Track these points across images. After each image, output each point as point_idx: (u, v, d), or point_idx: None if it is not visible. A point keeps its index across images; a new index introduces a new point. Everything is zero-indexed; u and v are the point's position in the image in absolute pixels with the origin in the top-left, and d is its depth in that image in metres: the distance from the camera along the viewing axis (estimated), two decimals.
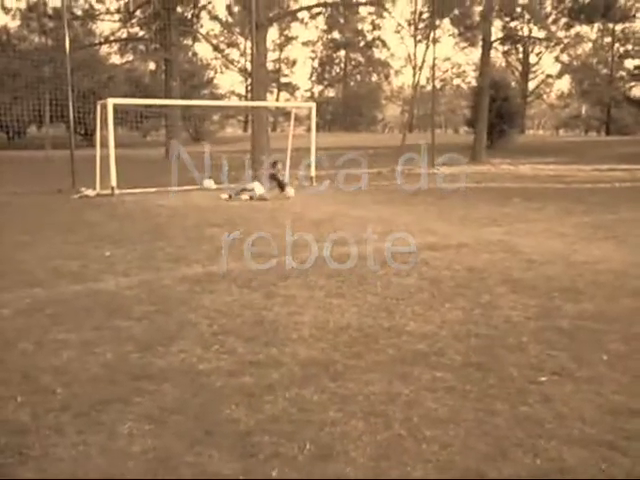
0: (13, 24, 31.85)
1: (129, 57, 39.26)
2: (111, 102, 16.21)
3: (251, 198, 15.16)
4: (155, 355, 4.62)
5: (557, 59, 62.24)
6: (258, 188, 15.44)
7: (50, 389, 4.04)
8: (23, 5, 30.24)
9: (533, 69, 66.33)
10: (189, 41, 38.90)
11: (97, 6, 31.09)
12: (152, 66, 46.89)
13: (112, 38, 33.21)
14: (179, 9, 31.99)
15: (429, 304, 5.94)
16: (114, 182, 15.88)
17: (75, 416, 3.68)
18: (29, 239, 9.74)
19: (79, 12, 30.85)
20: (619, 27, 52.10)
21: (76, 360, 4.54)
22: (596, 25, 39.62)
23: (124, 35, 33.18)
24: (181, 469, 3.12)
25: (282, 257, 8.21)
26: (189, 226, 11.18)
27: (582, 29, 39.34)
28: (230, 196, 15.40)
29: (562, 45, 46.19)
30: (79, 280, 6.94)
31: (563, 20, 33.80)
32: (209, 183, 17.97)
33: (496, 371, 4.28)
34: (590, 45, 55.71)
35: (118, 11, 31.41)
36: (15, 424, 3.60)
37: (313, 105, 20.72)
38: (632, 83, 47.83)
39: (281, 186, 16.29)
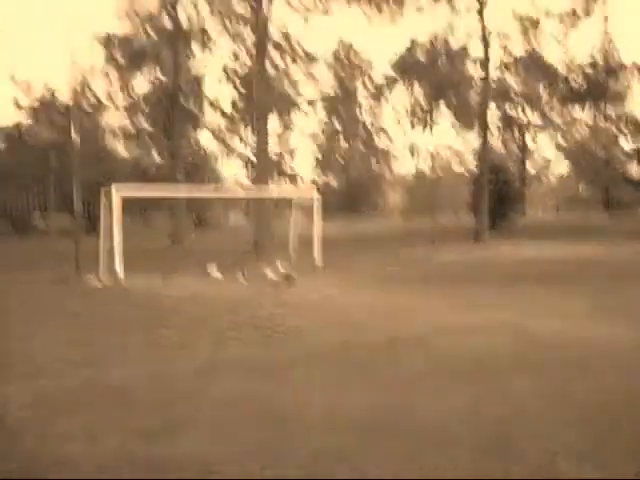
0: (25, 121, 32.75)
1: (135, 149, 40.19)
2: (115, 188, 16.40)
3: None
4: (160, 446, 4.50)
5: (556, 145, 63.29)
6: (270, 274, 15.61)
7: None
8: (35, 103, 31.15)
9: (532, 152, 67.40)
10: (194, 133, 39.78)
11: (105, 102, 32.01)
12: (157, 158, 47.88)
13: (119, 131, 34.03)
14: (183, 102, 32.88)
15: (440, 391, 5.83)
16: (119, 269, 15.90)
17: None
18: (34, 328, 9.69)
19: (88, 107, 31.75)
20: (613, 110, 53.28)
21: (80, 452, 4.43)
22: (590, 108, 40.33)
23: (131, 129, 34.04)
24: None
25: (286, 345, 8.13)
26: (194, 313, 11.13)
27: (578, 114, 40.14)
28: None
29: (558, 129, 47.13)
30: (84, 369, 6.84)
31: (558, 105, 34.55)
32: (213, 269, 18.00)
33: (515, 458, 4.15)
34: (586, 128, 56.79)
35: (125, 107, 32.32)
36: None
37: (314, 190, 20.94)
38: (629, 163, 48.50)
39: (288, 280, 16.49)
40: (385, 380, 6.21)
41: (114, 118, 33.35)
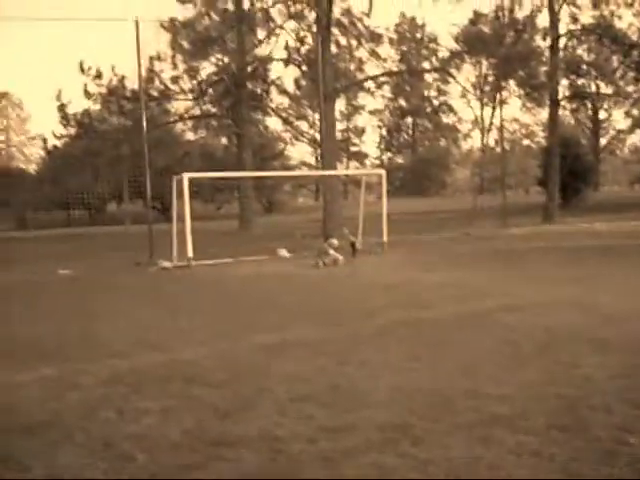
0: (95, 107, 33.54)
1: (202, 133, 40.72)
2: (186, 176, 16.77)
3: (324, 264, 15.26)
4: (233, 422, 4.64)
5: (627, 114, 61.34)
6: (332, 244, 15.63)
7: (130, 455, 4.10)
8: (104, 89, 31.85)
9: (603, 125, 65.51)
10: (259, 115, 40.04)
11: (172, 87, 32.45)
12: (225, 141, 48.43)
13: (186, 116, 34.52)
14: (249, 85, 33.10)
15: (508, 366, 5.79)
16: (190, 253, 16.27)
17: None
18: (110, 310, 10.07)
19: (155, 93, 32.28)
20: None
21: (155, 427, 4.60)
22: None
23: (197, 112, 34.49)
24: None
25: (355, 322, 8.21)
26: (264, 295, 11.33)
27: None
28: (321, 262, 15.41)
29: (631, 100, 45.53)
30: (157, 350, 7.07)
31: (631, 74, 33.28)
32: (283, 252, 18.23)
33: (581, 433, 4.12)
34: None
35: (191, 90, 32.72)
36: None
37: (383, 172, 20.92)
38: None
39: (353, 249, 16.56)
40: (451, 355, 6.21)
41: (181, 103, 33.86)
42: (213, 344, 7.30)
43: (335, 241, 15.95)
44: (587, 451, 3.85)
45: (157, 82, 31.98)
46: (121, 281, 14.38)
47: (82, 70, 31.49)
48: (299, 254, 18.27)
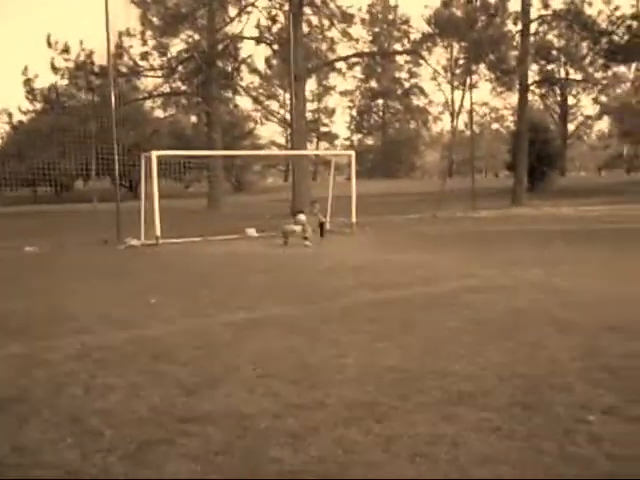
0: (62, 82, 32.97)
1: (172, 111, 40.31)
2: (155, 154, 16.64)
3: (285, 243, 15.28)
4: (200, 398, 4.65)
5: (596, 100, 62.09)
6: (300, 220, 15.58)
7: (98, 431, 4.10)
8: (71, 64, 31.31)
9: (572, 111, 66.22)
10: (229, 94, 39.74)
11: (141, 63, 32.04)
12: (194, 119, 48.01)
13: (155, 93, 34.15)
14: (219, 63, 32.80)
15: (473, 346, 5.88)
16: (158, 232, 16.18)
17: (122, 457, 3.72)
18: (77, 287, 10.01)
19: (124, 69, 31.85)
20: None
21: (123, 403, 4.60)
22: (634, 65, 39.29)
23: (167, 90, 34.12)
24: None
25: (324, 302, 8.25)
26: (232, 273, 11.33)
27: (620, 70, 39.11)
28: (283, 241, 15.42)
29: (600, 86, 46.07)
30: (125, 327, 7.05)
31: (600, 61, 33.67)
32: (251, 231, 18.21)
33: (543, 411, 4.21)
34: (629, 85, 55.41)
35: (161, 67, 32.35)
36: (63, 464, 3.65)
37: (353, 153, 20.96)
38: None
39: (322, 229, 16.53)
40: (420, 334, 6.28)
41: (150, 80, 33.48)
42: (180, 321, 7.30)
43: (303, 217, 15.92)
44: (547, 428, 3.94)
45: (126, 58, 31.59)
46: (88, 259, 14.25)
47: (49, 44, 30.95)
48: (268, 234, 18.27)
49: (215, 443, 3.88)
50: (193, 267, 12.50)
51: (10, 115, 53.02)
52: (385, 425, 4.06)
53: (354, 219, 19.42)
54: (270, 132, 77.27)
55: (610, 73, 38.09)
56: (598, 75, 36.33)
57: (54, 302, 8.72)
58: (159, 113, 41.76)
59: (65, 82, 32.84)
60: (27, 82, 33.97)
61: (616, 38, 31.57)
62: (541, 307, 7.46)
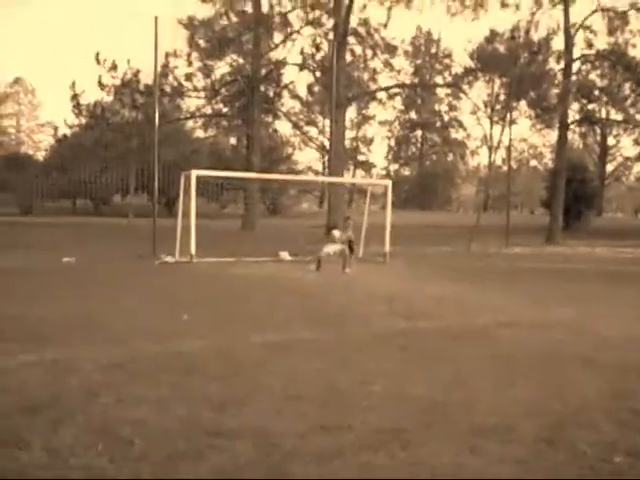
0: (107, 99, 33.74)
1: (212, 132, 40.90)
2: (195, 173, 16.91)
3: (317, 269, 15.33)
4: (228, 415, 4.73)
5: (636, 142, 61.50)
6: (331, 248, 15.64)
7: (128, 440, 4.21)
8: (118, 82, 32.02)
9: (611, 151, 65.69)
10: (270, 118, 40.25)
11: (185, 84, 32.66)
12: (233, 141, 48.62)
13: (198, 114, 34.73)
14: (262, 88, 33.28)
15: (501, 380, 5.89)
16: (193, 250, 16.39)
17: (152, 465, 3.82)
18: (112, 299, 10.21)
19: (168, 89, 32.48)
20: None
21: (153, 415, 4.70)
22: None
23: (209, 111, 34.69)
24: None
25: (355, 328, 8.31)
26: (264, 295, 11.44)
27: None
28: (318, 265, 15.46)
29: None
30: (157, 340, 7.18)
31: None
32: (284, 255, 18.35)
33: (567, 448, 4.22)
34: None
35: (205, 89, 32.92)
36: (95, 469, 3.76)
37: (389, 183, 21.06)
38: None
39: (351, 248, 16.48)
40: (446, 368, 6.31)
41: (193, 100, 34.08)
42: (212, 338, 7.41)
43: (337, 232, 16.04)
44: (571, 465, 3.95)
45: (171, 78, 32.20)
46: (124, 272, 14.50)
47: (98, 61, 31.67)
48: (301, 258, 18.40)
49: (242, 458, 3.95)
50: (226, 286, 12.65)
51: (56, 128, 54.35)
52: (410, 452, 4.10)
53: (387, 248, 19.46)
54: (308, 158, 77.86)
55: None
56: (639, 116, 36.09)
57: (88, 312, 8.90)
58: (200, 133, 42.47)
59: (110, 99, 33.62)
60: (74, 97, 34.72)
61: None
62: (571, 346, 7.43)
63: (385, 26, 29.80)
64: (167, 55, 30.65)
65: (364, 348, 7.09)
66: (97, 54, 31.86)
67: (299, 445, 4.19)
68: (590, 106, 35.40)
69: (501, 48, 30.70)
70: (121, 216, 40.28)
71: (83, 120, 37.24)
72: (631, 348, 7.40)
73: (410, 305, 10.47)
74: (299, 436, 4.34)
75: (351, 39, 29.56)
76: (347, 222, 17.95)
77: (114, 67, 31.51)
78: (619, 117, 37.84)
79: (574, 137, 50.49)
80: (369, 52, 32.74)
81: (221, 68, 32.98)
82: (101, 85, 32.17)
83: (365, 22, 29.98)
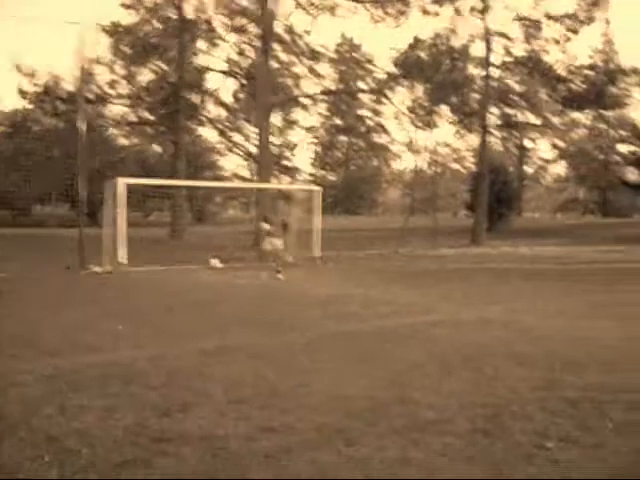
0: (28, 107, 32.82)
1: (137, 139, 40.30)
2: (122, 181, 16.69)
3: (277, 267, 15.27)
4: (173, 421, 4.77)
5: (553, 145, 63.76)
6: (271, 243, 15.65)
7: (75, 449, 4.19)
8: (38, 89, 31.21)
9: (530, 154, 67.79)
10: (194, 125, 39.93)
11: (109, 91, 32.10)
12: (158, 148, 47.99)
13: (122, 121, 34.19)
14: (187, 95, 33.01)
15: (435, 377, 6.09)
16: (123, 259, 16.17)
17: (100, 475, 3.82)
18: (43, 312, 10.00)
19: (91, 96, 31.85)
20: (611, 114, 53.75)
21: (97, 424, 4.69)
22: (589, 112, 40.82)
23: (133, 118, 34.19)
24: None
25: (290, 332, 8.41)
26: (197, 302, 11.41)
27: (576, 116, 40.45)
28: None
29: (557, 131, 47.45)
30: (95, 351, 7.12)
31: (558, 107, 34.82)
32: (215, 262, 18.29)
33: (503, 437, 4.44)
34: (585, 131, 57.14)
35: (129, 96, 32.42)
36: None
37: (319, 189, 21.27)
38: (627, 167, 48.89)
39: (284, 227, 16.37)
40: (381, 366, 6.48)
41: (116, 107, 33.53)
42: (149, 347, 7.39)
43: (266, 225, 16.01)
44: (508, 453, 4.16)
45: (94, 86, 31.57)
46: (53, 283, 14.19)
47: (18, 68, 30.83)
48: (231, 265, 18.39)
49: (191, 463, 4.00)
50: (159, 295, 12.55)
51: None
52: (356, 448, 4.23)
53: (318, 253, 19.63)
54: (233, 164, 77.35)
55: (567, 119, 39.32)
56: (556, 120, 37.47)
57: (21, 326, 8.71)
58: (123, 141, 41.75)
59: (31, 106, 32.71)
60: None
61: (573, 86, 32.77)
62: (500, 341, 7.73)
63: (308, 33, 30.10)
64: (89, 61, 30.07)
65: (301, 352, 7.19)
66: (17, 61, 31.02)
67: (245, 446, 4.27)
68: (509, 111, 36.58)
69: (423, 55, 31.39)
70: (41, 227, 39.17)
71: (2, 128, 36.19)
72: (557, 341, 7.76)
73: (342, 308, 10.64)
74: (244, 438, 4.42)
75: (276, 46, 29.69)
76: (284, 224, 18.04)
77: (34, 74, 30.72)
78: (537, 121, 39.20)
79: (495, 141, 51.87)
80: (294, 58, 32.99)
81: (145, 75, 32.59)
82: (21, 93, 31.33)
83: (290, 29, 30.19)
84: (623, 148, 54.55)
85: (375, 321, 9.35)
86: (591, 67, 33.75)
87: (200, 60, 32.49)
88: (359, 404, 5.21)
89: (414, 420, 4.80)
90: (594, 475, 3.86)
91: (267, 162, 27.99)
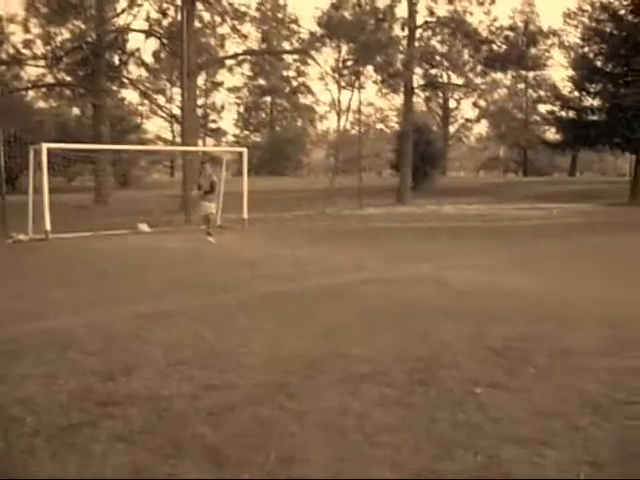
0: None
1: (56, 102, 39.02)
2: (45, 147, 16.26)
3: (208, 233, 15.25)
4: (117, 384, 4.85)
5: (475, 104, 65.06)
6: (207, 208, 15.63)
7: (19, 417, 4.23)
8: None
9: (453, 114, 68.98)
10: (115, 87, 38.90)
11: (24, 51, 30.90)
12: (77, 111, 46.64)
13: (40, 83, 33.01)
14: (107, 55, 32.11)
15: (368, 332, 6.35)
16: (48, 226, 15.83)
17: (47, 440, 3.89)
18: None
19: (4, 56, 30.63)
20: (531, 74, 55.17)
21: (40, 391, 4.73)
22: (510, 73, 41.74)
23: (51, 80, 33.06)
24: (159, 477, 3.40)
25: (223, 294, 8.52)
26: (129, 267, 11.36)
27: (497, 76, 41.33)
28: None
29: (479, 91, 48.43)
30: (29, 319, 7.07)
31: (479, 68, 35.51)
32: (143, 226, 18.12)
33: (436, 386, 4.71)
34: (505, 91, 58.49)
35: (45, 57, 31.29)
36: None
37: (245, 150, 21.20)
38: (545, 127, 50.32)
39: (212, 188, 16.19)
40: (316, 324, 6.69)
41: (33, 69, 32.34)
42: (85, 313, 7.39)
43: (199, 191, 15.94)
44: (441, 399, 4.43)
45: (8, 45, 30.35)
46: None
47: None
48: (159, 228, 18.27)
49: (138, 423, 4.11)
50: (89, 261, 12.40)
51: None
52: (296, 402, 4.43)
53: (245, 215, 19.67)
54: (156, 127, 75.94)
55: (489, 79, 40.12)
56: (478, 81, 38.20)
57: None
58: (41, 104, 40.44)
59: None
60: None
61: (495, 47, 33.42)
62: (429, 297, 8.06)
63: None
64: (2, 20, 28.89)
65: (235, 313, 7.33)
66: None
67: (189, 405, 4.41)
68: (433, 71, 37.08)
69: (348, 15, 31.35)
70: None
71: None
72: (482, 296, 8.13)
73: (273, 269, 10.80)
74: (188, 397, 4.56)
75: (199, 5, 29.11)
76: (205, 168, 18.02)
77: None
78: (459, 81, 39.88)
79: (419, 101, 52.49)
80: (217, 18, 32.44)
81: (62, 35, 31.45)
82: None
83: None
84: (542, 108, 56.15)
85: (305, 281, 9.54)
86: (512, 28, 34.39)
87: (120, 19, 31.59)
88: (296, 361, 5.40)
89: (350, 374, 5.02)
90: (518, 414, 4.17)
91: (193, 125, 27.65)
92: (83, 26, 31.44)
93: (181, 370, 5.16)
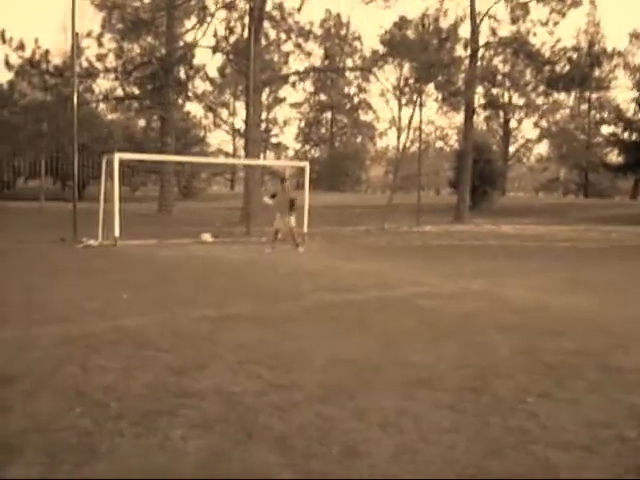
0: (16, 80, 32.64)
1: (125, 114, 40.30)
2: (117, 156, 16.98)
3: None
4: (190, 379, 5.23)
5: (536, 124, 64.43)
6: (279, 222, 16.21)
7: (104, 402, 4.64)
8: (25, 62, 31.04)
9: (513, 133, 68.44)
10: (181, 100, 40.01)
11: (97, 65, 32.05)
12: (143, 123, 48.03)
13: (110, 96, 34.20)
14: (175, 70, 33.11)
15: (426, 342, 6.61)
16: (117, 232, 16.50)
17: (131, 423, 4.27)
18: (45, 283, 10.36)
19: (80, 70, 31.80)
20: (595, 95, 54.54)
21: (120, 381, 5.14)
22: (573, 93, 41.46)
23: (121, 93, 34.23)
24: (232, 462, 3.73)
25: (286, 302, 8.88)
26: (195, 275, 11.84)
27: (560, 97, 41.11)
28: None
29: (540, 111, 48.14)
30: (103, 318, 7.53)
31: (541, 88, 35.42)
32: (206, 236, 18.69)
33: (488, 393, 4.95)
34: (568, 112, 57.91)
35: (116, 70, 32.41)
36: (80, 429, 4.18)
37: (307, 165, 21.64)
38: (608, 149, 49.62)
39: (292, 205, 16.65)
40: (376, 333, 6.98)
41: (104, 82, 33.52)
42: (154, 315, 7.82)
43: (270, 200, 16.58)
44: (494, 406, 4.68)
45: (82, 59, 31.54)
46: (51, 256, 14.51)
47: (4, 40, 30.63)
48: (222, 239, 18.82)
49: (211, 414, 4.47)
50: (156, 267, 12.95)
51: None
52: (356, 402, 4.72)
53: (306, 229, 20.06)
54: (218, 140, 77.32)
55: (550, 100, 39.89)
56: (539, 101, 38.02)
57: (29, 295, 9.11)
58: (110, 116, 41.80)
59: (19, 79, 32.60)
60: None
61: (557, 68, 33.29)
62: (484, 312, 8.27)
63: (299, 10, 30.27)
64: (78, 35, 30.01)
65: (298, 320, 7.67)
66: (3, 32, 30.79)
67: (258, 400, 4.74)
68: (494, 91, 37.10)
69: (411, 34, 31.70)
70: (24, 200, 39.20)
71: None
72: (536, 313, 8.32)
73: (334, 281, 11.13)
74: (257, 393, 4.89)
75: (265, 23, 29.86)
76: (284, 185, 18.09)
77: (22, 46, 30.54)
78: (521, 101, 39.77)
79: (479, 120, 52.43)
80: (283, 36, 33.17)
81: (133, 49, 32.55)
82: (8, 65, 31.17)
83: (280, 6, 30.35)
84: (605, 129, 55.42)
85: (365, 293, 9.84)
86: (575, 49, 34.23)
87: (188, 36, 32.58)
88: (356, 365, 5.69)
89: (408, 378, 5.30)
90: (568, 423, 4.38)
91: (257, 138, 28.31)
92: (154, 42, 32.54)
93: (249, 369, 5.51)
